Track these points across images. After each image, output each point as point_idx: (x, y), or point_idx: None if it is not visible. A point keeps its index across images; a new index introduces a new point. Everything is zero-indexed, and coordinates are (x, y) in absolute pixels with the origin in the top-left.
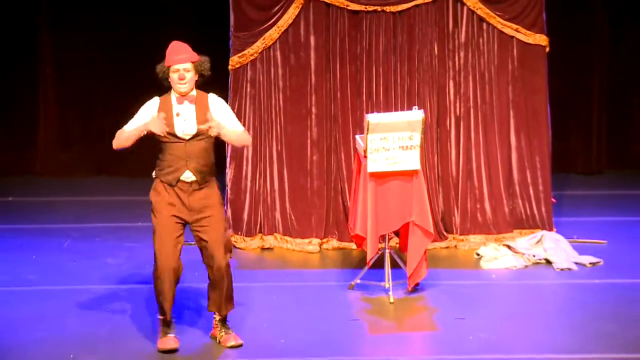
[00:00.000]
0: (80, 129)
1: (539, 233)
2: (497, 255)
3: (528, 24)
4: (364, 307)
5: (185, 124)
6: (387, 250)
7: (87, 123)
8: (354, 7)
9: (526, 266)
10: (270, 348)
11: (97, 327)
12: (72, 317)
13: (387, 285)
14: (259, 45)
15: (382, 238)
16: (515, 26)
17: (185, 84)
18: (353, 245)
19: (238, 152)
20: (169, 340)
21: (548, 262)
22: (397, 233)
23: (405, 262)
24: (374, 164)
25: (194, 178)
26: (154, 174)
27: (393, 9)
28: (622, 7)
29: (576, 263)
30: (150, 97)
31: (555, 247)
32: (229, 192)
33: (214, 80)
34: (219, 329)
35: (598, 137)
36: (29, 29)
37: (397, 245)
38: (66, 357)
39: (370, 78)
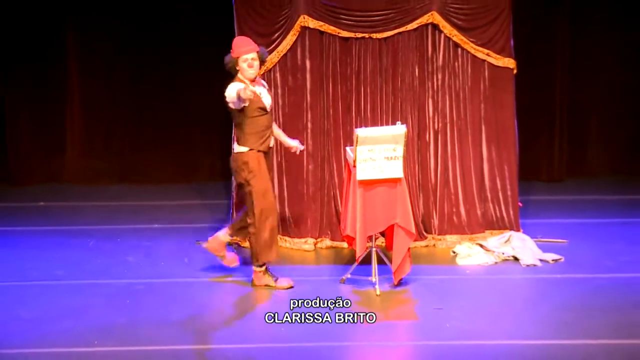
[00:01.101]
0: (104, 141)
1: (508, 233)
2: (471, 253)
3: (497, 49)
4: (354, 298)
5: (265, 98)
6: (374, 249)
7: (109, 136)
8: (345, 34)
9: (496, 262)
10: (271, 334)
11: (117, 317)
12: (96, 308)
13: (374, 280)
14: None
15: (370, 238)
16: (486, 51)
17: (254, 69)
18: (344, 244)
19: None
20: (283, 281)
21: (515, 259)
22: (383, 233)
23: (390, 259)
24: (362, 173)
25: (273, 143)
26: (243, 148)
27: (379, 35)
28: (581, 34)
29: (540, 260)
30: (168, 110)
31: (521, 246)
32: (234, 197)
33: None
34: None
35: (559, 149)
36: (56, 42)
37: (383, 244)
38: (90, 344)
39: (359, 97)
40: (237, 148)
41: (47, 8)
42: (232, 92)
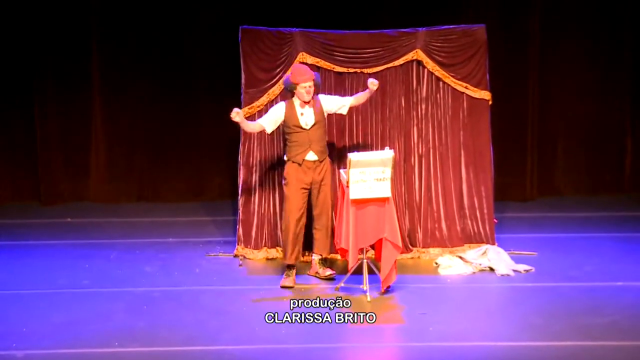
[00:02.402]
0: (124, 165)
1: (484, 246)
2: (451, 264)
3: (475, 83)
4: (348, 304)
5: (306, 118)
6: (365, 260)
7: (129, 159)
8: (339, 69)
9: (474, 273)
10: (273, 337)
11: (137, 321)
12: (118, 313)
13: (365, 288)
14: (264, 99)
15: (361, 250)
16: (465, 84)
17: (310, 95)
18: (338, 256)
19: (247, 183)
20: (288, 280)
21: (491, 269)
22: (373, 246)
23: (379, 270)
24: (354, 192)
25: (315, 157)
26: (285, 157)
27: (370, 70)
28: (550, 71)
29: (514, 270)
30: (181, 135)
31: (497, 258)
32: (240, 214)
33: (233, 125)
34: (319, 266)
35: (530, 172)
36: (82, 72)
37: (373, 256)
38: (112, 345)
39: (351, 124)
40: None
41: (73, 37)
42: (271, 113)
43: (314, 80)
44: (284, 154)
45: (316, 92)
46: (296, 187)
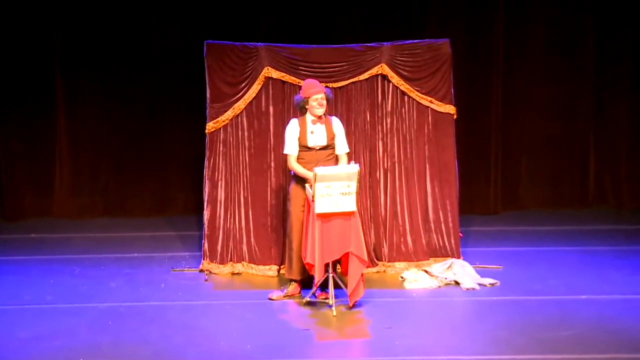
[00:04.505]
0: (89, 180)
1: (450, 260)
2: (417, 278)
3: (440, 97)
4: (313, 319)
5: (316, 138)
6: (331, 275)
7: (94, 174)
8: None
9: (439, 286)
10: (238, 352)
11: (102, 337)
12: (83, 328)
13: (331, 302)
14: (229, 114)
15: (327, 265)
16: (429, 98)
17: (322, 108)
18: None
19: (213, 198)
20: (277, 293)
21: (457, 283)
22: (339, 261)
23: (345, 284)
24: (320, 207)
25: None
26: (292, 172)
27: (335, 85)
28: (512, 87)
29: (479, 284)
30: (145, 151)
31: (462, 272)
32: (206, 229)
33: (197, 139)
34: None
35: (494, 186)
36: (46, 91)
37: (340, 270)
38: None
39: None
40: None
41: (36, 52)
42: (292, 135)
43: (325, 93)
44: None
45: (327, 110)
46: (300, 204)
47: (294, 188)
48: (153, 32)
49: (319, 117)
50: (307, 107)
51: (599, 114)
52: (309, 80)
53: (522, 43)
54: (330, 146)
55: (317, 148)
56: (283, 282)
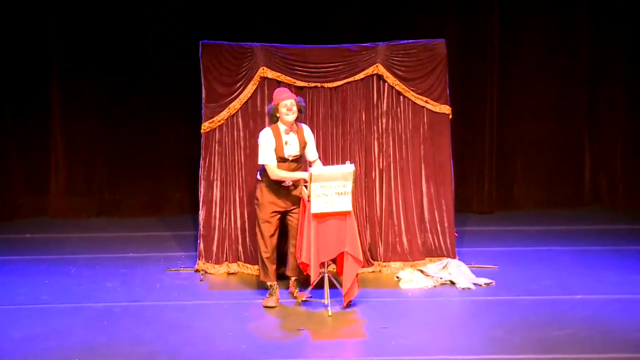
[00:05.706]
0: (84, 181)
1: (445, 260)
2: (412, 278)
3: (435, 97)
4: (308, 319)
5: (290, 148)
6: (326, 274)
7: (90, 174)
8: (299, 84)
9: (435, 286)
10: (234, 352)
11: (97, 337)
12: (78, 328)
13: (326, 302)
14: (225, 114)
15: (323, 264)
16: (425, 99)
17: (292, 114)
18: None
19: (208, 198)
20: (270, 300)
21: (452, 283)
22: (334, 260)
23: (341, 284)
24: (315, 207)
25: (290, 183)
26: (259, 176)
27: (330, 85)
28: (507, 88)
29: (474, 284)
30: (140, 152)
31: (457, 271)
32: (201, 229)
33: (193, 139)
34: (294, 287)
35: (489, 186)
36: (42, 92)
37: (335, 270)
38: None
39: None
40: None
41: (32, 53)
42: (268, 144)
43: (294, 99)
44: (258, 172)
45: (299, 118)
46: (269, 210)
47: (264, 192)
48: (148, 33)
49: (291, 126)
50: (277, 114)
51: (594, 115)
52: (279, 88)
53: (517, 43)
54: (301, 156)
55: (291, 159)
56: (278, 281)
